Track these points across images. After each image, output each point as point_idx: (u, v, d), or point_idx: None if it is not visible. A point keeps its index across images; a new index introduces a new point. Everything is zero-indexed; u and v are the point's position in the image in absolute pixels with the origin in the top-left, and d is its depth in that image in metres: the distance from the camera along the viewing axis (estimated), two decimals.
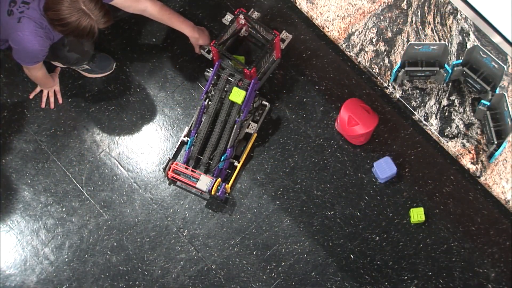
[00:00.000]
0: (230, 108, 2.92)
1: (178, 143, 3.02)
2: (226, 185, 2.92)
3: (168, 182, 3.00)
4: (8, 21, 2.68)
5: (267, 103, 3.04)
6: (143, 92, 3.13)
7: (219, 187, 2.90)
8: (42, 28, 2.67)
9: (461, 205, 2.92)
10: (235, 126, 2.90)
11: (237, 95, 2.87)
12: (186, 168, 2.94)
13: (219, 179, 2.90)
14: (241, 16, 3.01)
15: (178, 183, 3.01)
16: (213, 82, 2.94)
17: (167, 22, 2.95)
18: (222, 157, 2.93)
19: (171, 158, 2.98)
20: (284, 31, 3.13)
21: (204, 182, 2.88)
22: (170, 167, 2.94)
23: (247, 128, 3.02)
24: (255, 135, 3.02)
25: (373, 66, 2.52)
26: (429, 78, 2.49)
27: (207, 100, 2.95)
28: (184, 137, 3.02)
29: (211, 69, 2.96)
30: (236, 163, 2.98)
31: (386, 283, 2.86)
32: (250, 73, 2.91)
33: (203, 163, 2.97)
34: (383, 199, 2.95)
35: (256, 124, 3.03)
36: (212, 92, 2.96)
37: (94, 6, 2.57)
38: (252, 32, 3.10)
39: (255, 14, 3.14)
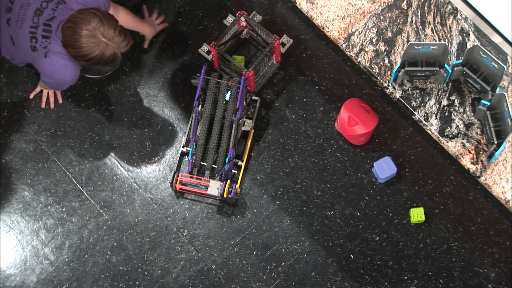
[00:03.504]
0: (225, 109, 2.92)
1: (179, 155, 3.01)
2: (236, 185, 2.92)
3: (176, 196, 3.00)
4: (33, 56, 2.63)
5: (257, 98, 3.04)
6: (143, 92, 3.13)
7: (230, 189, 2.90)
8: (70, 60, 2.60)
9: (461, 205, 2.92)
10: (233, 125, 2.90)
11: None
12: (192, 177, 2.94)
13: (228, 181, 2.90)
14: (242, 19, 3.01)
15: (186, 194, 3.00)
16: (203, 87, 2.93)
17: (133, 26, 2.95)
18: (226, 159, 2.93)
19: (175, 171, 2.97)
20: (285, 35, 3.12)
21: (215, 187, 2.88)
22: (177, 179, 2.94)
23: (243, 126, 3.02)
24: (253, 131, 3.03)
25: (373, 66, 2.52)
26: (429, 78, 2.49)
27: (200, 106, 2.94)
28: (183, 147, 3.01)
29: (198, 75, 2.95)
30: (240, 163, 2.98)
31: (386, 283, 2.86)
32: (248, 76, 2.90)
33: (207, 169, 2.96)
34: (383, 199, 2.95)
35: (251, 121, 3.03)
36: (203, 97, 2.95)
37: (113, 33, 2.49)
38: (253, 34, 3.10)
39: (257, 17, 3.14)
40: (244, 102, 2.95)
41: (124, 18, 2.87)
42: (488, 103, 2.38)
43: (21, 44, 2.64)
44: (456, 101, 2.48)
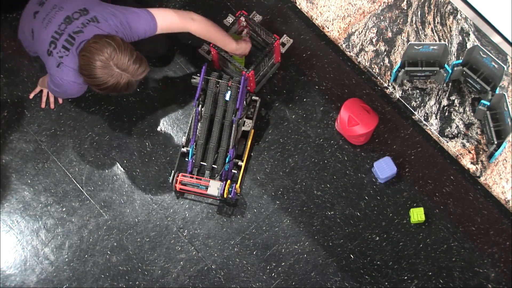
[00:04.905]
0: (225, 109, 2.92)
1: (179, 155, 3.01)
2: (236, 185, 2.92)
3: (176, 196, 3.00)
4: (46, 60, 2.61)
5: (257, 98, 3.04)
6: (143, 92, 3.13)
7: (230, 189, 2.90)
8: (80, 77, 2.59)
9: (461, 205, 2.92)
10: (233, 125, 2.90)
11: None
12: (192, 177, 2.94)
13: (228, 181, 2.90)
14: (242, 19, 3.01)
15: (186, 194, 3.00)
16: (203, 87, 2.93)
17: (210, 39, 2.80)
18: (226, 159, 2.93)
19: (175, 171, 2.97)
20: (285, 35, 3.12)
21: (215, 187, 2.88)
22: (177, 179, 2.93)
23: (243, 126, 3.02)
24: (253, 131, 3.03)
25: (373, 66, 2.52)
26: (429, 78, 2.49)
27: (200, 105, 2.94)
28: (183, 147, 3.01)
29: (198, 75, 2.95)
30: (240, 163, 2.98)
31: (386, 283, 2.86)
32: (248, 76, 2.90)
33: (207, 169, 2.96)
34: (383, 199, 2.95)
35: (251, 121, 3.03)
36: (203, 97, 2.95)
37: (127, 63, 2.45)
38: (253, 34, 3.10)
39: (257, 17, 3.14)
40: (244, 102, 2.95)
41: (196, 28, 2.71)
42: (488, 103, 2.38)
43: (39, 43, 2.62)
44: (456, 101, 2.48)
